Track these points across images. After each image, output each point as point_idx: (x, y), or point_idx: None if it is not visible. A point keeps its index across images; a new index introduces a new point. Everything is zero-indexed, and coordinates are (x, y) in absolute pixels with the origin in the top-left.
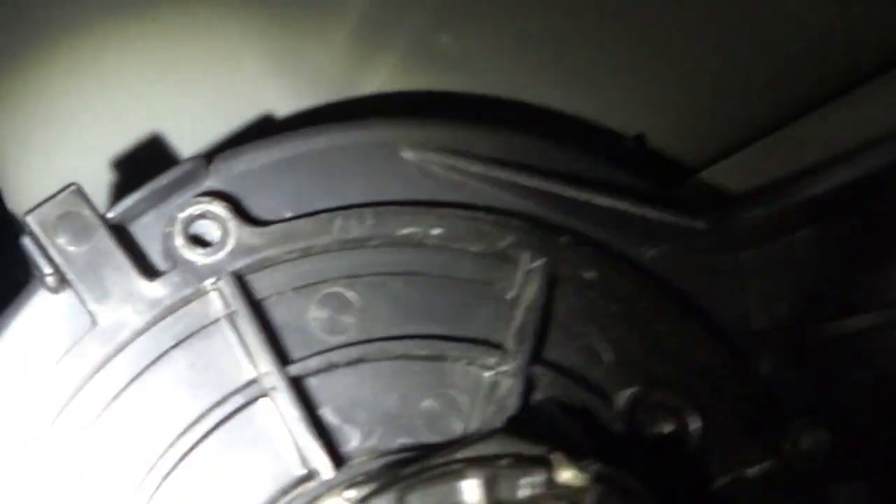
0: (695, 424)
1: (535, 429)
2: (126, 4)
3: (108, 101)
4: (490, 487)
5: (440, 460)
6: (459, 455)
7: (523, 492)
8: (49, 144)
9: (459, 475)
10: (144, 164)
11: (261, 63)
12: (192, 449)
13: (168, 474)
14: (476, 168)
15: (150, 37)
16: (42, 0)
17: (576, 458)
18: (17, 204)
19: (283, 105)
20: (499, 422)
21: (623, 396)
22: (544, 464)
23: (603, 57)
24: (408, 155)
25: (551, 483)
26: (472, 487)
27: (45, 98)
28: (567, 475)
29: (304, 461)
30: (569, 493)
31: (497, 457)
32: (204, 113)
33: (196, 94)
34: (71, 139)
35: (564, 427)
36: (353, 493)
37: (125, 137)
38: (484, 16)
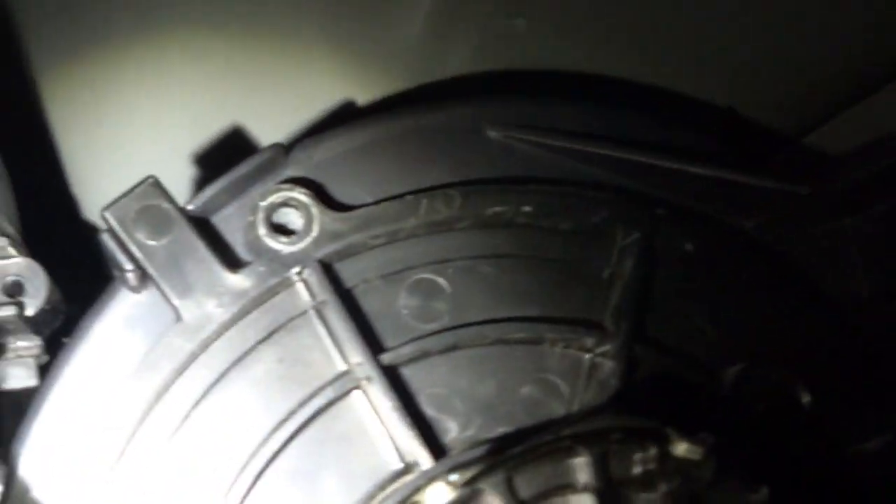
0: (805, 398)
1: (642, 405)
2: (199, 9)
3: (183, 99)
4: (601, 465)
5: (548, 438)
6: (568, 432)
7: (637, 468)
8: (125, 145)
9: (569, 453)
10: (222, 158)
11: (335, 54)
12: (283, 447)
13: (260, 474)
14: (563, 143)
15: (224, 36)
16: (116, 6)
17: (689, 431)
18: (93, 210)
19: (359, 94)
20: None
21: (729, 373)
22: (658, 438)
23: (688, 26)
24: (492, 133)
25: (666, 457)
26: (582, 465)
27: (119, 100)
28: (682, 448)
29: (400, 454)
30: (684, 467)
31: (607, 432)
32: (280, 106)
33: (271, 88)
34: (147, 138)
35: (672, 403)
36: (456, 477)
37: (201, 133)
38: None
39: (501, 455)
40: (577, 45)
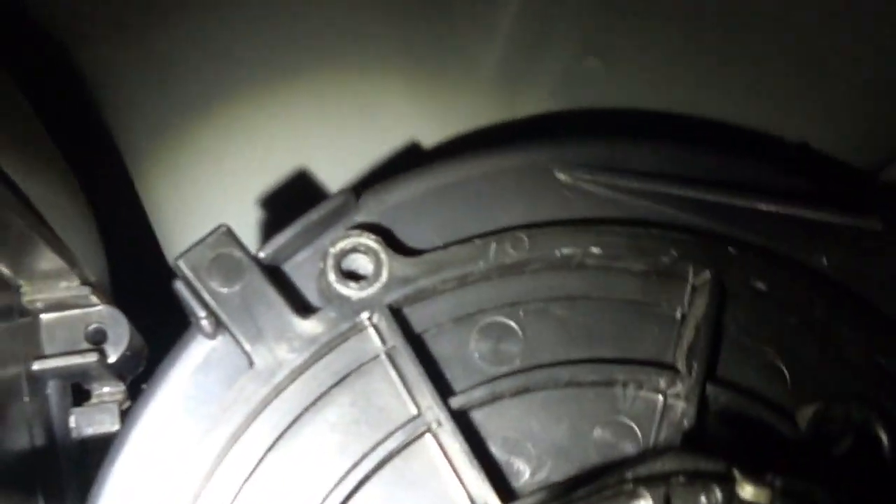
0: (885, 437)
1: (712, 445)
2: (273, 66)
3: (255, 149)
4: None
5: (611, 481)
6: (631, 474)
7: None
8: (203, 193)
9: (632, 495)
10: (292, 203)
11: (408, 95)
12: (355, 490)
13: None
14: (632, 183)
15: (296, 90)
16: (196, 68)
17: (757, 473)
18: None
19: (432, 135)
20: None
21: (806, 412)
22: (725, 479)
23: (762, 64)
24: (561, 175)
25: (733, 500)
26: None
27: (199, 150)
28: (749, 491)
29: (471, 498)
30: None
31: (673, 474)
32: (353, 148)
33: (344, 131)
34: (223, 187)
35: (746, 444)
36: None
37: (272, 179)
38: (632, 35)
39: (565, 498)
40: (650, 84)
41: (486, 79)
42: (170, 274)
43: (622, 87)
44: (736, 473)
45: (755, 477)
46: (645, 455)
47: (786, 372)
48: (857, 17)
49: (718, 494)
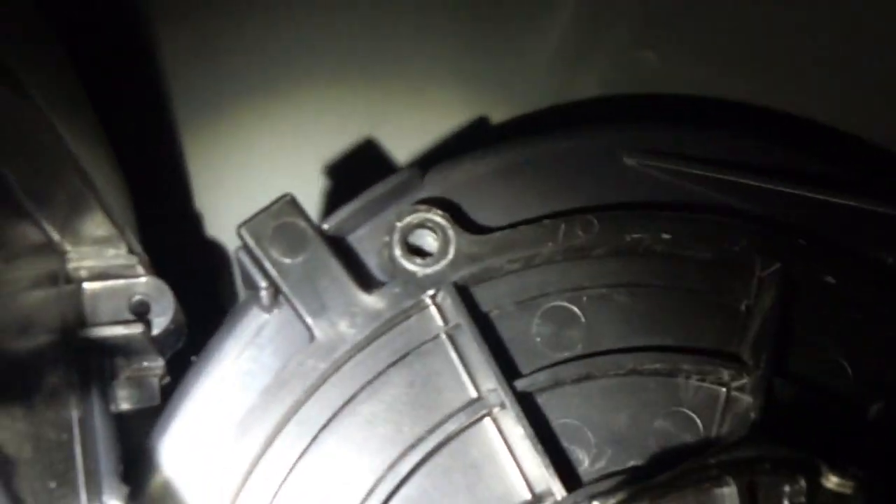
0: None
1: (782, 441)
2: (323, 63)
3: (313, 121)
4: (749, 496)
5: (695, 465)
6: (714, 460)
7: (785, 501)
8: (251, 167)
9: (716, 482)
10: (351, 181)
11: (462, 79)
12: (411, 473)
13: (387, 500)
14: (701, 171)
15: (364, 77)
16: (261, 46)
17: (842, 464)
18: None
19: (484, 121)
20: None
21: (871, 410)
22: (809, 470)
23: (820, 53)
24: (629, 160)
25: (816, 490)
26: (729, 496)
27: (251, 120)
28: (834, 482)
29: (530, 484)
30: (834, 501)
31: (757, 461)
32: (407, 131)
33: (398, 113)
34: (275, 158)
35: (813, 440)
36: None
37: (331, 155)
38: (688, 26)
39: (645, 483)
40: (709, 73)
41: (542, 65)
42: (204, 251)
43: (682, 76)
44: (821, 464)
45: (841, 468)
46: (728, 440)
47: (849, 368)
48: None
49: (802, 483)
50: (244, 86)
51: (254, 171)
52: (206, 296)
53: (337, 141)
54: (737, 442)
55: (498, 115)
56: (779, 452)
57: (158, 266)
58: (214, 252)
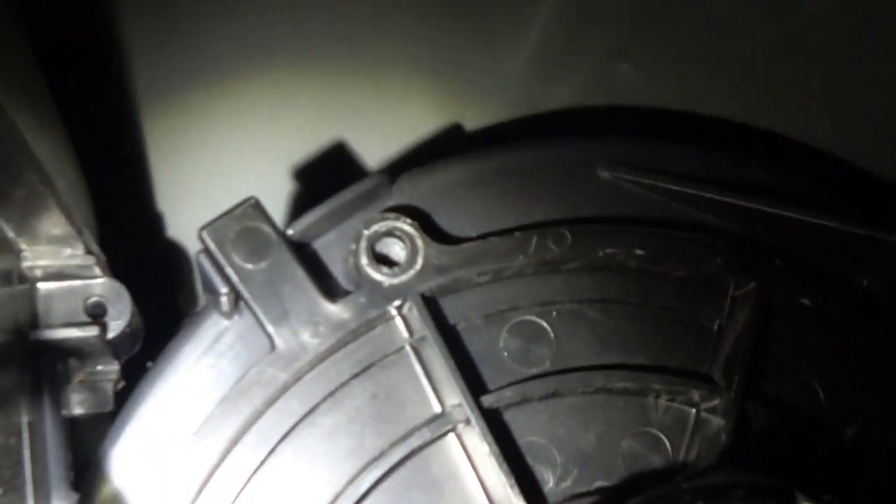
0: None
1: (753, 466)
2: (293, 51)
3: (281, 124)
4: None
5: (665, 491)
6: (688, 485)
7: None
8: (215, 167)
9: None
10: (319, 186)
11: (435, 84)
12: (371, 488)
13: None
14: (677, 186)
15: (314, 77)
16: (225, 41)
17: (815, 492)
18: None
19: (458, 125)
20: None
21: (842, 436)
22: (784, 498)
23: (803, 70)
24: (603, 173)
25: None
26: None
27: (216, 121)
28: None
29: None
30: None
31: (730, 487)
32: (378, 136)
33: (370, 117)
34: (242, 161)
35: (784, 465)
36: None
37: (299, 159)
38: (667, 39)
39: None
40: (688, 87)
41: (516, 73)
42: (163, 253)
43: (654, 90)
44: (795, 491)
45: (814, 495)
46: (699, 468)
47: (821, 392)
48: None
49: None
50: (210, 84)
51: (219, 172)
52: (166, 299)
53: (306, 144)
54: (710, 467)
55: (472, 123)
56: (753, 479)
57: (117, 268)
58: (176, 254)
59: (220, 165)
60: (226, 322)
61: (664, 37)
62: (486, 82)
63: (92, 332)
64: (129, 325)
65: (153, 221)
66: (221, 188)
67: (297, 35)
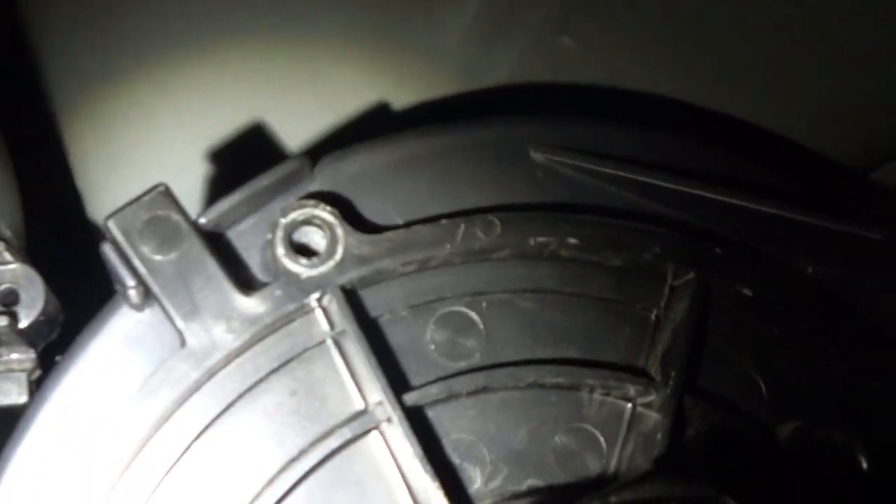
0: (866, 464)
1: (693, 469)
2: (223, 22)
3: (203, 101)
4: None
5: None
6: (615, 498)
7: None
8: (140, 148)
9: None
10: (242, 166)
11: (368, 57)
12: (291, 489)
13: None
14: (614, 170)
15: (246, 49)
16: (139, 23)
17: (745, 500)
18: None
19: (393, 101)
20: (643, 461)
21: (785, 431)
22: None
23: (750, 50)
24: (537, 156)
25: None
26: None
27: (136, 101)
28: None
29: None
30: None
31: (660, 501)
32: (307, 111)
33: (297, 91)
34: (163, 142)
35: (723, 463)
36: None
37: (221, 139)
38: (610, 12)
39: None
40: (630, 63)
41: (453, 45)
42: (91, 236)
43: (596, 67)
44: (729, 501)
45: None
46: (628, 479)
47: (763, 386)
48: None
49: None
50: (128, 66)
51: (139, 156)
52: (87, 285)
53: (221, 124)
54: (639, 479)
55: (401, 99)
56: (684, 490)
57: (37, 255)
58: (97, 238)
59: (139, 149)
60: (136, 315)
61: (607, 8)
62: (420, 55)
63: (2, 321)
64: (44, 312)
65: (74, 206)
66: (139, 172)
67: (215, 8)
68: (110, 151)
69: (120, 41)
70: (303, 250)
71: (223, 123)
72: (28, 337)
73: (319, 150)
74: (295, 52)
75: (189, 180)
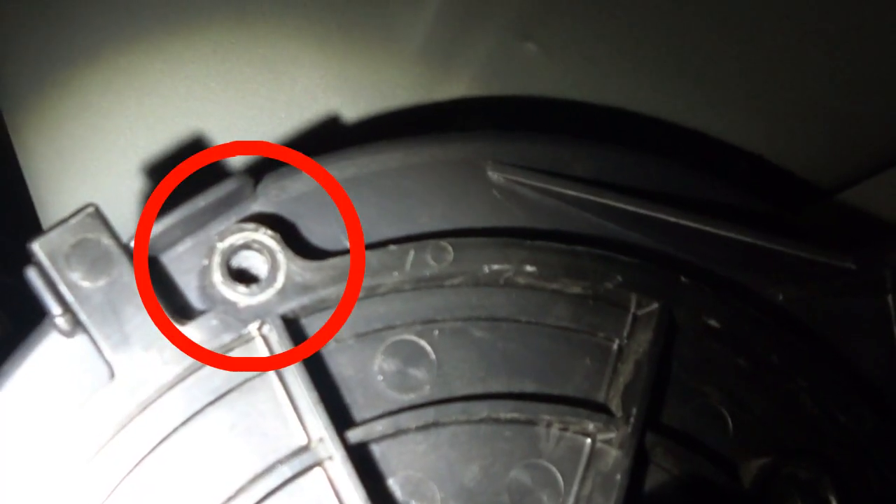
0: (835, 501)
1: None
2: (175, 18)
3: (153, 108)
4: None
5: None
6: None
7: None
8: (86, 157)
9: None
10: (181, 185)
11: (324, 64)
12: None
13: None
14: (575, 191)
15: (199, 47)
16: (86, 18)
17: None
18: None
19: (350, 112)
20: (602, 500)
21: (751, 468)
22: None
23: (711, 59)
24: (494, 175)
25: None
26: None
27: (85, 112)
28: None
29: None
30: None
31: None
32: (261, 120)
33: (251, 99)
34: (111, 152)
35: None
36: None
37: (169, 149)
38: (571, 23)
39: None
40: (592, 75)
41: (411, 53)
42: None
43: (561, 79)
44: None
45: None
46: None
47: (730, 420)
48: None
49: None
50: (74, 61)
51: (88, 157)
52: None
53: (161, 136)
54: None
55: (356, 110)
56: None
57: None
58: None
59: (91, 151)
60: (65, 342)
61: (572, 16)
62: (381, 60)
63: None
64: None
65: (23, 216)
66: (91, 175)
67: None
68: (61, 154)
69: (69, 41)
70: (242, 276)
71: (176, 125)
72: None
73: (260, 169)
74: (249, 54)
75: (142, 184)
